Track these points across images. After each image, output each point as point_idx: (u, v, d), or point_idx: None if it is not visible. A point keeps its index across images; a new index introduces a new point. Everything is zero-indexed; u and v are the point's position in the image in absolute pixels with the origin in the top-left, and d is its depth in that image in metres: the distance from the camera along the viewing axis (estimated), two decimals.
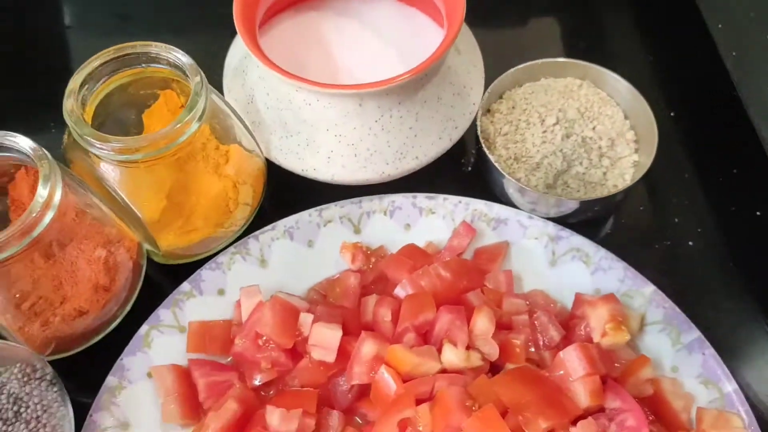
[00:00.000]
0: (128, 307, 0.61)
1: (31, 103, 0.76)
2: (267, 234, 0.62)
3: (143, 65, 0.59)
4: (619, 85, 0.67)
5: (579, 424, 0.50)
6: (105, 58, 0.57)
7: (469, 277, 0.59)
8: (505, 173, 0.62)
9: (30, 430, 0.51)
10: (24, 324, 0.55)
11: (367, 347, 0.54)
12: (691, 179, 0.69)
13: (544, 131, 0.65)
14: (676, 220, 0.67)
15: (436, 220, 0.63)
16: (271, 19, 0.69)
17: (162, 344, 0.58)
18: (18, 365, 0.52)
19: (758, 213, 0.67)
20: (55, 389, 0.54)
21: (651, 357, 0.56)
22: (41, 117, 0.72)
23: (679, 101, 0.74)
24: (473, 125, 0.65)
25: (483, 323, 0.54)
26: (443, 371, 0.53)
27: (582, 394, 0.51)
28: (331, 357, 0.55)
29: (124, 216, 0.59)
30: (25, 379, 0.52)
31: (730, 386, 0.54)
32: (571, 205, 0.62)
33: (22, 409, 0.51)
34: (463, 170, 0.70)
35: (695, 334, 0.56)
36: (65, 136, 0.59)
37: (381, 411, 0.52)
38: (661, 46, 0.78)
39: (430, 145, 0.63)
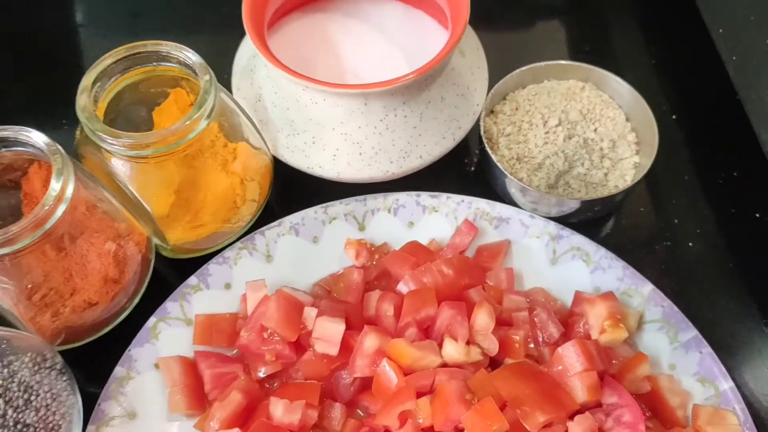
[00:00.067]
0: (137, 300, 0.62)
1: (44, 99, 0.77)
2: (273, 230, 0.63)
3: (154, 64, 0.60)
4: (621, 88, 0.68)
5: (576, 418, 0.51)
6: (117, 57, 0.58)
7: (471, 275, 0.60)
8: (507, 173, 0.63)
9: (40, 417, 0.52)
10: (35, 314, 0.56)
11: (369, 341, 0.55)
12: (691, 181, 0.70)
13: (547, 132, 0.66)
14: (676, 221, 0.68)
15: (439, 218, 0.64)
16: (280, 19, 0.70)
17: (169, 336, 0.59)
18: (29, 354, 0.53)
19: (757, 215, 0.68)
20: (64, 378, 0.55)
21: (649, 355, 0.56)
22: (54, 114, 0.73)
23: (681, 104, 0.75)
24: (477, 126, 0.66)
25: (483, 319, 0.55)
26: (444, 365, 0.54)
27: (579, 389, 0.52)
28: (334, 350, 0.56)
29: (133, 210, 0.60)
30: (36, 367, 0.53)
31: (726, 384, 0.55)
32: (572, 205, 0.63)
33: (33, 397, 0.52)
34: (467, 170, 0.71)
35: (693, 332, 0.57)
36: (77, 132, 0.60)
37: (382, 403, 0.53)
38: (663, 50, 0.79)
39: (433, 144, 0.64)
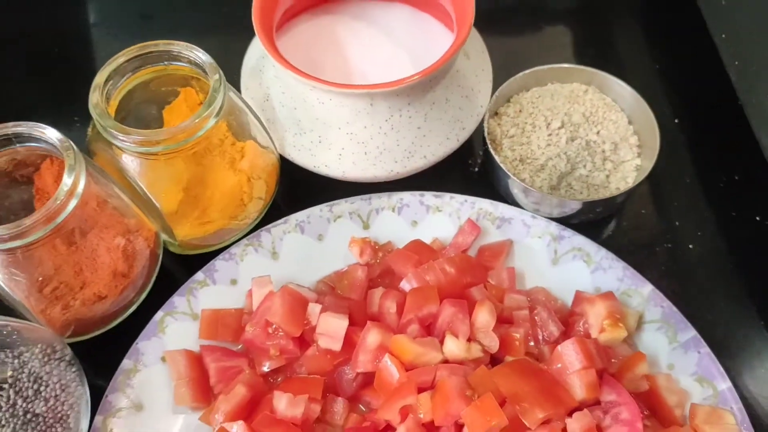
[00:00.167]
0: (144, 294, 0.63)
1: (57, 97, 0.78)
2: (279, 227, 0.64)
3: (165, 63, 0.61)
4: (624, 91, 0.68)
5: (574, 415, 0.52)
6: (129, 55, 0.59)
7: (473, 273, 0.61)
8: (510, 174, 0.64)
9: (49, 407, 0.53)
10: (46, 307, 0.57)
11: (372, 337, 0.55)
12: (692, 184, 0.71)
13: (550, 134, 0.67)
14: (677, 223, 0.69)
15: (443, 217, 0.65)
16: (289, 21, 0.71)
17: (176, 330, 0.60)
18: (39, 346, 0.54)
19: (758, 218, 0.68)
20: (73, 369, 0.56)
21: (648, 354, 0.57)
22: (66, 111, 0.75)
23: (683, 108, 0.75)
24: (480, 127, 0.67)
25: (484, 316, 0.56)
26: (445, 362, 0.55)
27: (578, 387, 0.53)
28: (337, 346, 0.56)
29: (143, 206, 0.61)
30: (46, 359, 0.54)
31: (724, 384, 0.56)
32: (573, 206, 0.64)
33: (42, 388, 0.53)
34: (470, 170, 0.72)
35: (691, 332, 0.58)
36: (89, 129, 0.61)
37: (384, 398, 0.54)
38: (667, 55, 0.80)
39: (438, 145, 0.65)
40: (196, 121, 0.56)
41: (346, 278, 0.62)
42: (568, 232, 0.63)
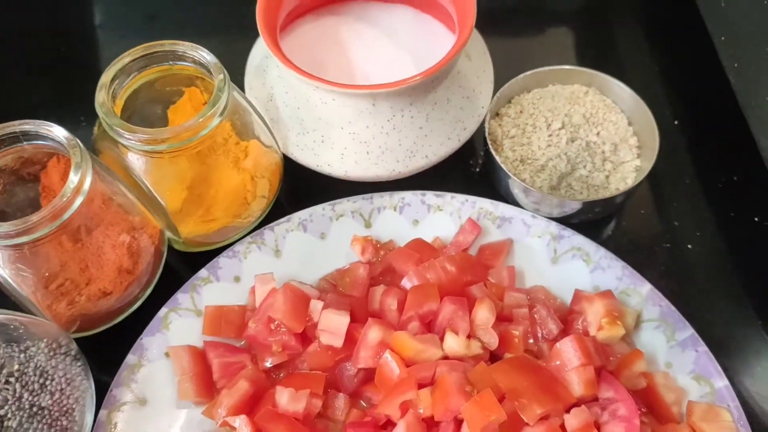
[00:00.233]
0: (149, 291, 0.63)
1: (63, 97, 0.79)
2: (282, 225, 0.65)
3: (170, 63, 0.61)
4: (624, 93, 0.69)
5: (572, 411, 0.52)
6: (135, 55, 0.60)
7: (473, 272, 0.61)
8: (511, 174, 0.65)
9: (54, 401, 0.53)
10: (52, 302, 0.57)
11: (373, 333, 0.56)
12: (692, 184, 0.71)
13: (550, 135, 0.68)
14: (676, 223, 0.69)
15: (444, 216, 0.66)
16: (293, 22, 0.72)
17: (180, 326, 0.60)
18: (45, 340, 0.55)
19: (756, 219, 0.69)
20: (78, 364, 0.57)
21: (646, 353, 0.57)
22: (72, 111, 0.75)
23: (683, 110, 0.76)
24: (482, 127, 0.68)
25: (484, 314, 0.57)
26: (445, 358, 0.56)
27: (576, 384, 0.53)
28: (339, 342, 0.57)
29: (148, 204, 0.62)
30: (52, 353, 0.55)
31: (721, 382, 0.56)
32: (573, 206, 0.64)
33: (48, 381, 0.54)
34: (471, 170, 0.73)
35: (689, 331, 0.58)
36: (95, 128, 0.62)
37: (384, 393, 0.55)
38: (667, 56, 0.81)
39: (439, 145, 0.66)
40: (201, 120, 0.57)
41: (347, 276, 0.62)
42: (568, 232, 0.64)
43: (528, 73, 0.70)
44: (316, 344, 0.58)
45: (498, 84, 0.70)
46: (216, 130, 0.59)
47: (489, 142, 0.67)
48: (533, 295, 0.61)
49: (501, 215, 0.65)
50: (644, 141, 0.68)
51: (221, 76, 0.59)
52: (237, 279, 0.63)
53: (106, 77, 0.59)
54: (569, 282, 0.62)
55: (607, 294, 0.59)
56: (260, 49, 0.71)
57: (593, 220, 0.68)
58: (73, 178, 0.53)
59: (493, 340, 0.56)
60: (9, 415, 0.51)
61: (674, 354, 0.58)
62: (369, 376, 0.57)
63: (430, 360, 0.55)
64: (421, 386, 0.54)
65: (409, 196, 0.66)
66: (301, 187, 0.69)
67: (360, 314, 0.59)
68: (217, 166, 0.62)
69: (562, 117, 0.68)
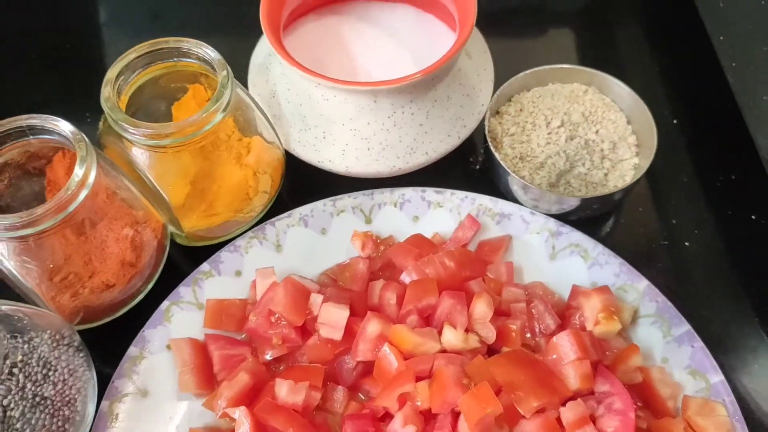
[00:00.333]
0: (151, 284, 0.64)
1: (68, 93, 0.80)
2: (283, 221, 0.66)
3: (175, 59, 0.62)
4: (623, 92, 0.69)
5: (568, 404, 0.52)
6: (140, 52, 0.61)
7: (472, 267, 0.62)
8: (510, 171, 0.65)
9: (57, 391, 0.54)
10: (56, 294, 0.58)
11: (372, 326, 0.57)
12: (690, 183, 0.72)
13: (549, 133, 0.68)
14: (674, 221, 0.70)
15: (443, 213, 0.66)
16: (295, 21, 0.72)
17: (181, 319, 0.61)
18: (48, 332, 0.55)
19: (753, 217, 0.69)
20: (81, 355, 0.57)
21: (642, 348, 0.58)
22: (77, 107, 0.76)
23: (682, 109, 0.76)
24: (481, 125, 0.68)
25: (482, 308, 0.57)
26: (443, 351, 0.56)
27: (572, 377, 0.54)
28: (338, 335, 0.58)
29: (151, 198, 0.62)
30: (55, 344, 0.55)
31: (717, 377, 0.57)
32: (571, 203, 0.65)
33: (51, 372, 0.54)
34: (471, 167, 0.73)
35: (685, 327, 0.59)
36: (101, 123, 0.63)
37: (383, 386, 0.55)
38: (667, 56, 0.81)
39: (439, 142, 0.66)
40: (204, 115, 0.58)
41: (348, 270, 0.63)
42: (566, 229, 0.64)
43: (528, 71, 0.71)
44: (315, 337, 0.59)
45: (498, 82, 0.71)
46: (219, 126, 0.60)
47: (489, 140, 0.67)
48: (531, 290, 0.62)
49: (500, 212, 0.66)
50: (643, 139, 0.68)
51: (225, 73, 0.60)
52: (238, 273, 0.64)
53: (111, 73, 0.60)
54: (567, 278, 0.62)
55: (605, 290, 0.59)
56: (263, 47, 0.72)
57: (591, 218, 0.68)
58: (78, 172, 0.54)
59: (490, 335, 0.57)
60: (12, 405, 0.51)
61: (670, 349, 0.59)
62: (368, 369, 0.58)
63: (428, 353, 0.56)
64: (419, 379, 0.54)
65: (410, 192, 0.67)
66: (302, 183, 0.70)
67: (359, 308, 0.60)
68: (220, 162, 0.63)
69: (562, 115, 0.69)
